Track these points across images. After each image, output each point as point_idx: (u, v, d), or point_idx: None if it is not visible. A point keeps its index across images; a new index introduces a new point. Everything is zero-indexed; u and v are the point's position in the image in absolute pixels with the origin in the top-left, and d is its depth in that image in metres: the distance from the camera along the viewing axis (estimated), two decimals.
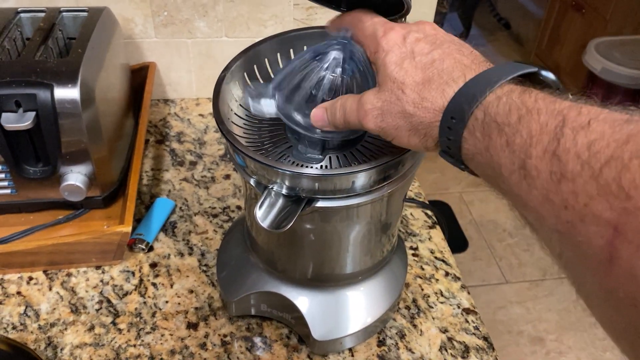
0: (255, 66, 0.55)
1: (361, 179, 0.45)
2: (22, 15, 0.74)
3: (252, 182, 0.48)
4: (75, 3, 0.81)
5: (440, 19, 3.07)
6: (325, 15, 0.80)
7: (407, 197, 0.75)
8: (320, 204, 0.47)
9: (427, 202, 0.77)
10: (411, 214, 0.75)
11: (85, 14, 0.74)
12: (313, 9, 0.87)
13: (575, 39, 2.62)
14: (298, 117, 0.47)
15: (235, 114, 0.53)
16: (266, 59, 0.55)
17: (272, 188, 0.47)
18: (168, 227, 0.71)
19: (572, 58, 2.64)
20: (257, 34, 0.88)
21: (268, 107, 0.49)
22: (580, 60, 2.36)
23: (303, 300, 0.56)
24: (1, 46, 0.67)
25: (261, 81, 0.55)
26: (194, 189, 0.76)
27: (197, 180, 0.78)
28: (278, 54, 0.55)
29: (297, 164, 0.48)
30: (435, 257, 0.69)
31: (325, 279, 0.57)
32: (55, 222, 0.68)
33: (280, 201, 0.47)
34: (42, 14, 0.74)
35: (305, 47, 0.56)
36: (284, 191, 0.47)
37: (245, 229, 0.61)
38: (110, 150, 0.69)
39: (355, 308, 0.57)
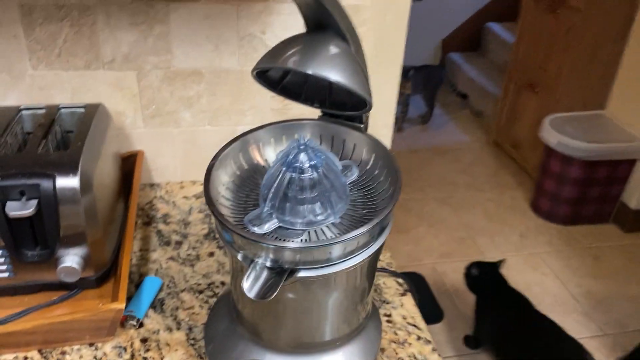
0: (240, 153, 0.62)
1: (337, 250, 0.52)
2: (24, 112, 0.81)
3: (239, 256, 0.54)
4: (70, 99, 0.89)
5: (404, 99, 3.26)
6: (299, 107, 0.90)
7: (379, 267, 0.81)
8: (301, 274, 0.53)
9: (398, 272, 0.83)
10: (384, 283, 0.81)
11: (82, 110, 0.82)
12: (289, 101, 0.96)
13: (531, 115, 2.80)
14: (293, 219, 0.55)
15: (222, 196, 0.59)
16: (250, 147, 0.63)
17: (257, 261, 0.53)
18: (157, 304, 0.75)
19: (530, 133, 2.82)
20: (237, 123, 0.97)
21: (271, 224, 0.55)
22: (538, 135, 2.52)
23: None
24: (5, 141, 0.74)
25: (245, 166, 0.63)
26: (180, 267, 0.82)
27: (183, 258, 0.83)
28: (260, 143, 0.63)
29: (280, 239, 0.55)
30: (408, 323, 0.74)
31: (306, 347, 0.62)
32: (50, 302, 0.72)
33: (265, 273, 0.53)
34: (42, 111, 0.81)
35: (283, 137, 0.64)
36: (268, 264, 0.53)
37: (231, 302, 0.66)
38: (104, 232, 0.74)
39: None
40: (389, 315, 0.75)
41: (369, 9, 0.91)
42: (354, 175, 0.62)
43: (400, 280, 0.82)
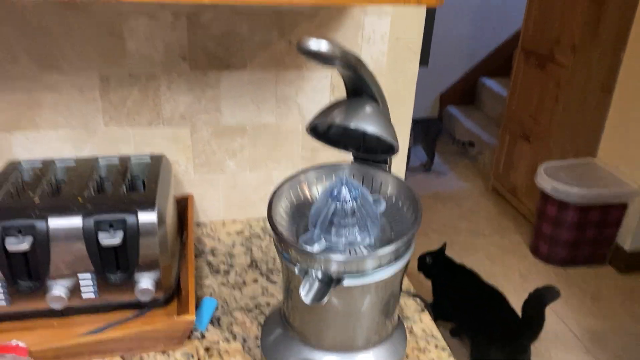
0: (291, 190, 0.78)
1: (372, 263, 0.67)
2: (101, 162, 0.97)
3: (296, 270, 0.69)
4: (134, 150, 1.06)
5: None
6: (325, 154, 1.07)
7: (410, 292, 0.96)
8: (346, 282, 0.68)
9: (417, 293, 0.97)
10: (404, 303, 0.95)
11: (148, 160, 0.98)
12: (316, 150, 1.13)
13: (527, 163, 2.98)
14: (337, 240, 0.70)
15: (278, 223, 0.75)
16: (300, 184, 0.79)
17: (311, 273, 0.68)
18: (214, 320, 0.89)
19: (526, 180, 2.99)
20: (273, 169, 1.13)
21: (320, 244, 0.70)
22: (534, 181, 2.69)
23: None
24: (88, 185, 0.90)
25: (294, 200, 0.78)
26: (230, 291, 0.96)
27: (232, 284, 0.98)
28: (308, 181, 0.79)
29: (329, 253, 0.70)
30: (427, 334, 0.88)
31: (345, 348, 0.76)
32: (128, 318, 0.86)
33: (317, 283, 0.68)
34: (116, 161, 0.97)
35: (324, 177, 0.80)
36: (319, 275, 0.68)
37: (282, 314, 0.81)
38: (171, 260, 0.89)
39: None
40: (411, 328, 0.89)
41: (384, 75, 1.09)
42: (382, 206, 0.77)
43: (419, 300, 0.96)
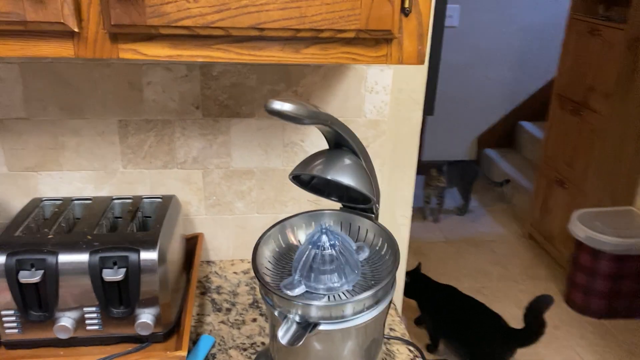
0: (279, 235, 0.82)
1: (349, 309, 0.70)
2: (115, 201, 1.05)
3: (276, 313, 0.73)
4: (150, 191, 1.13)
5: (438, 192, 3.44)
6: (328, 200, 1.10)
7: (395, 336, 0.97)
8: (322, 327, 0.71)
9: (409, 340, 0.99)
10: (397, 349, 0.97)
11: (160, 200, 1.05)
12: None
13: (563, 210, 2.92)
14: (317, 286, 0.73)
15: (265, 267, 0.79)
16: (287, 230, 0.83)
17: (289, 317, 0.71)
18: (209, 357, 0.93)
19: (562, 227, 2.92)
20: (280, 211, 1.18)
21: (300, 289, 0.74)
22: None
23: None
24: (101, 223, 0.97)
25: (282, 245, 0.82)
26: (229, 329, 1.00)
27: (232, 322, 1.02)
28: (295, 227, 0.83)
29: (306, 298, 0.73)
30: None
31: None
32: (129, 351, 0.91)
33: (295, 326, 0.71)
34: (130, 200, 1.04)
35: (312, 223, 0.84)
36: (297, 319, 0.71)
37: (269, 354, 0.84)
38: (172, 297, 0.94)
39: None
40: None
41: (387, 123, 1.13)
42: (365, 254, 0.80)
43: (412, 348, 0.97)
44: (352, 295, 0.74)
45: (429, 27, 0.77)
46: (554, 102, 3.01)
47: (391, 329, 1.02)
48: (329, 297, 0.74)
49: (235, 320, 1.02)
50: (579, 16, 2.77)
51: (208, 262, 1.21)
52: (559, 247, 2.99)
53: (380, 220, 1.19)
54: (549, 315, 2.65)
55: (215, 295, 1.09)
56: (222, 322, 1.02)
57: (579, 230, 2.55)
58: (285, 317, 0.71)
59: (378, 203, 0.83)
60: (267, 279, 0.77)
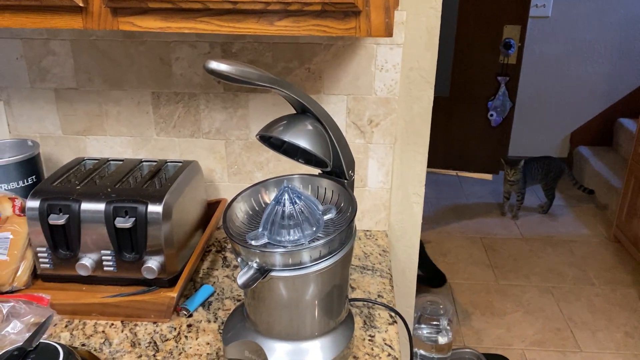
0: (251, 196, 0.90)
1: (304, 256, 0.76)
2: (144, 163, 1.18)
3: (238, 260, 0.81)
4: (179, 157, 1.25)
5: (518, 188, 3.31)
6: None
7: (380, 302, 1.02)
8: (273, 274, 0.77)
9: (392, 307, 1.02)
10: (379, 314, 1.01)
11: (180, 164, 1.17)
12: None
13: None
14: (278, 238, 0.80)
15: (240, 221, 0.87)
16: (260, 192, 0.90)
17: (248, 263, 0.79)
18: (206, 304, 1.03)
19: None
20: None
21: (262, 240, 0.81)
22: None
23: (271, 348, 0.84)
24: (127, 180, 1.10)
25: (255, 205, 0.90)
26: (230, 282, 1.09)
27: (234, 278, 1.11)
28: (266, 189, 0.90)
29: (265, 247, 0.80)
30: (385, 344, 0.93)
31: (292, 336, 0.84)
32: (136, 292, 1.04)
33: (252, 271, 0.78)
34: (155, 163, 1.17)
35: (284, 185, 0.90)
36: (255, 265, 0.78)
37: (244, 307, 0.92)
38: (177, 250, 1.05)
39: (307, 355, 0.83)
40: (373, 336, 0.95)
41: (398, 101, 1.16)
42: (332, 214, 0.86)
43: (392, 314, 1.01)
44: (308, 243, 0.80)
45: (396, 1, 0.80)
46: None
47: (379, 296, 1.06)
48: (283, 247, 0.81)
49: None
50: None
51: None
52: None
53: (393, 196, 1.23)
54: (623, 321, 2.49)
55: (228, 254, 1.20)
56: (227, 276, 1.12)
57: None
58: (246, 263, 0.79)
59: (352, 170, 0.88)
60: (236, 232, 0.85)
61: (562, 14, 3.63)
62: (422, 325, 1.90)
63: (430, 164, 3.02)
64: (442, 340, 1.93)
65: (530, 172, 3.32)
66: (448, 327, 1.96)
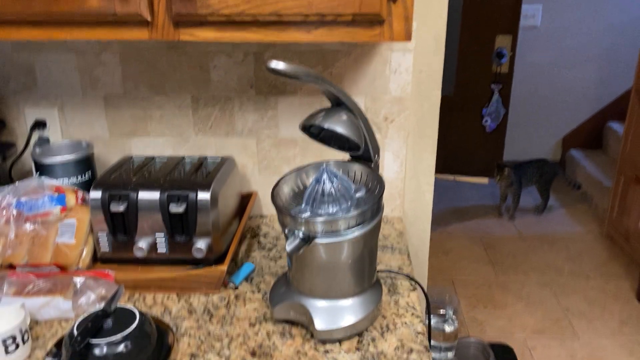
0: (297, 178, 1.05)
1: (342, 224, 0.91)
2: (186, 159, 1.33)
3: (286, 230, 0.95)
4: (215, 153, 1.40)
5: (514, 190, 3.47)
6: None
7: (404, 272, 1.16)
8: (317, 240, 0.92)
9: (411, 276, 1.17)
10: (400, 283, 1.15)
11: (219, 160, 1.31)
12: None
13: (639, 207, 2.88)
14: (319, 211, 0.95)
15: (285, 200, 1.01)
16: (302, 175, 1.05)
17: (294, 232, 0.93)
18: (249, 279, 1.17)
19: (638, 226, 2.88)
20: None
21: (306, 214, 0.96)
22: None
23: (313, 305, 0.98)
24: (173, 173, 1.25)
25: (297, 186, 1.05)
26: (268, 262, 1.24)
27: (271, 257, 1.25)
28: (307, 173, 1.05)
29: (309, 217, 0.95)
30: (408, 305, 1.08)
31: (329, 295, 0.99)
32: (188, 270, 1.18)
33: (298, 240, 0.93)
34: (196, 159, 1.32)
35: (323, 166, 1.06)
36: (301, 235, 0.93)
37: (287, 274, 1.06)
38: (221, 234, 1.19)
39: (344, 312, 0.98)
40: (397, 300, 1.09)
41: (410, 100, 1.32)
42: (362, 192, 1.01)
43: (412, 282, 1.15)
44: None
45: (413, 11, 0.96)
46: (633, 98, 2.97)
47: (400, 268, 1.20)
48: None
49: (274, 255, 1.26)
50: None
51: (261, 216, 1.46)
52: (635, 245, 2.94)
53: (407, 185, 1.39)
54: (618, 310, 2.64)
55: (262, 239, 1.34)
56: (264, 257, 1.26)
57: None
58: (293, 232, 0.94)
59: (377, 154, 1.04)
60: (284, 207, 0.99)
61: (551, 23, 3.83)
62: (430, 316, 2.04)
63: None
64: (448, 329, 2.08)
65: (525, 175, 3.49)
66: (454, 317, 2.10)
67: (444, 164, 3.74)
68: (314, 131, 1.03)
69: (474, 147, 3.64)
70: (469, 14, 3.25)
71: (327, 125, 0.94)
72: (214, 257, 1.19)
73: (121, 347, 0.88)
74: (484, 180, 4.05)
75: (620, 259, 3.07)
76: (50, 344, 0.98)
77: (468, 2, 3.26)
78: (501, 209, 3.63)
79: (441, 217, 3.60)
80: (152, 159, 1.33)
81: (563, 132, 4.14)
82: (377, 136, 1.35)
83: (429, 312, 1.18)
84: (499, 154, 3.63)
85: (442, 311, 2.03)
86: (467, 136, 3.62)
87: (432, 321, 2.03)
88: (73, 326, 0.90)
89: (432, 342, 2.03)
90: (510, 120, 3.62)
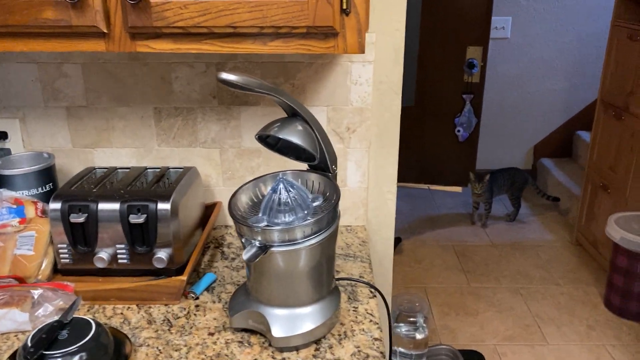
0: (255, 188, 1.06)
1: (297, 234, 0.92)
2: (148, 170, 1.33)
3: (243, 240, 0.96)
4: (179, 164, 1.41)
5: (485, 198, 3.52)
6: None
7: (364, 280, 1.17)
8: (273, 249, 0.93)
9: (372, 284, 1.18)
10: (361, 291, 1.17)
11: (181, 170, 1.32)
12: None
13: (606, 214, 2.94)
14: (275, 221, 0.96)
15: (243, 210, 1.02)
16: (259, 185, 1.06)
17: (251, 242, 0.94)
18: (210, 289, 1.18)
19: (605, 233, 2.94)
20: None
21: (262, 223, 0.97)
22: None
23: (271, 314, 0.99)
24: (135, 184, 1.25)
25: (254, 197, 1.06)
26: (230, 271, 1.24)
27: (233, 267, 1.26)
28: (265, 183, 1.06)
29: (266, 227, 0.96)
30: (367, 312, 1.09)
31: (286, 304, 1.00)
32: (148, 280, 1.18)
33: (254, 249, 0.94)
34: (159, 169, 1.32)
35: (279, 177, 1.07)
36: (257, 244, 0.94)
37: (246, 285, 1.07)
38: (183, 244, 1.19)
39: (302, 319, 0.98)
40: (356, 307, 1.11)
41: (371, 110, 1.34)
42: (319, 201, 1.02)
43: (372, 290, 1.17)
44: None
45: (367, 24, 0.98)
46: (598, 107, 3.05)
47: (361, 276, 1.22)
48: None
49: (237, 265, 1.27)
50: (621, 22, 2.82)
51: (225, 226, 1.47)
52: (603, 251, 3.00)
53: (369, 194, 1.40)
54: (586, 316, 2.69)
55: (226, 249, 1.35)
56: (226, 266, 1.27)
57: (615, 232, 2.58)
58: (250, 242, 0.95)
59: (334, 164, 1.05)
60: (240, 217, 1.00)
61: (520, 35, 3.91)
62: (400, 324, 2.06)
63: (404, 179, 3.20)
64: (419, 336, 2.09)
65: (496, 183, 3.54)
66: (424, 324, 2.12)
67: (418, 173, 3.78)
68: (271, 141, 1.04)
69: (447, 157, 3.68)
70: (439, 24, 3.30)
71: (282, 135, 0.95)
72: (175, 268, 1.19)
73: (76, 358, 0.88)
74: (458, 189, 4.10)
75: (589, 266, 3.13)
76: (5, 357, 0.98)
77: (441, 13, 3.31)
78: (474, 217, 3.67)
79: (415, 226, 3.63)
80: (115, 169, 1.33)
81: (534, 141, 4.21)
82: (340, 146, 1.37)
83: (389, 318, 1.19)
84: (472, 163, 3.67)
85: (412, 319, 2.05)
86: (440, 146, 3.66)
87: (403, 329, 2.05)
88: (27, 338, 0.89)
89: (403, 350, 2.05)
90: (482, 129, 3.67)
